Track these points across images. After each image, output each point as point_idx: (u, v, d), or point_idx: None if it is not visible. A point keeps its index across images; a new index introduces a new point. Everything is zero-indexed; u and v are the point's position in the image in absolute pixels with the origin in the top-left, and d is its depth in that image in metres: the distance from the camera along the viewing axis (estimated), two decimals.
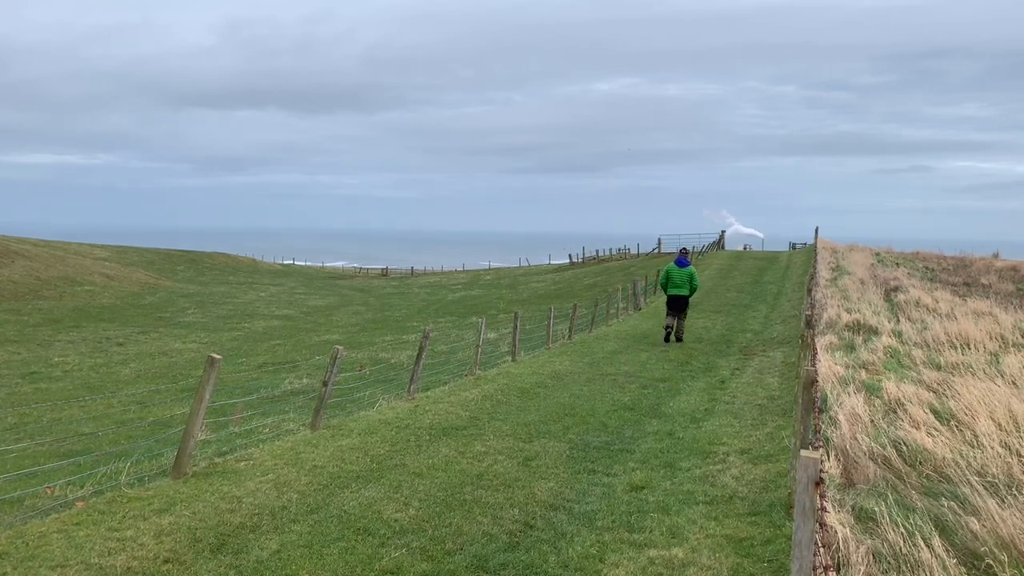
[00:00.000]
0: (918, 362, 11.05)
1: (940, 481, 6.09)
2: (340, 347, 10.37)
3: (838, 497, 5.85)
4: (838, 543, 4.79)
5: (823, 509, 3.76)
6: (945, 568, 4.54)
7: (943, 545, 4.78)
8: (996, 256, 35.95)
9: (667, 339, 18.10)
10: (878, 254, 36.71)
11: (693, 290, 18.27)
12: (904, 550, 4.74)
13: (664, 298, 19.19)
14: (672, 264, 18.60)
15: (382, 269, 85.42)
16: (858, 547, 4.77)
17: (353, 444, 8.82)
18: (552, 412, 10.71)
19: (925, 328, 13.87)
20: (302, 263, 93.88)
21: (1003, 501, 5.33)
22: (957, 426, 7.33)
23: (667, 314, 18.40)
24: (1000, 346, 12.26)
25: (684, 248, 20.83)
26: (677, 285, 18.07)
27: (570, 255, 65.52)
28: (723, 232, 58.80)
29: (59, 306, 36.62)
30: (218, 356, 7.76)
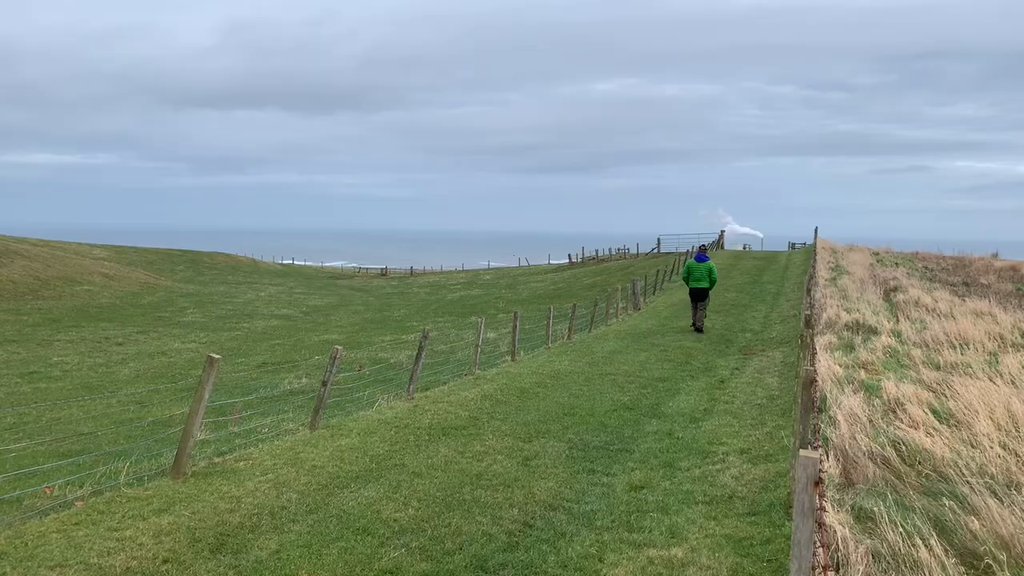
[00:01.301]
0: (917, 362, 11.04)
1: (939, 481, 6.09)
2: (339, 347, 10.37)
3: (837, 497, 5.85)
4: (837, 543, 4.79)
5: (822, 509, 3.76)
6: (944, 568, 4.55)
7: (942, 545, 4.78)
8: (995, 256, 35.98)
9: (698, 330, 19.61)
10: (877, 254, 36.71)
11: (712, 283, 20.13)
12: (903, 550, 4.74)
13: (685, 293, 21.69)
14: (691, 260, 20.59)
15: (382, 269, 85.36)
16: (857, 547, 4.77)
17: (352, 444, 8.82)
18: (551, 412, 10.71)
19: (924, 328, 13.87)
20: (302, 263, 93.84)
21: (1002, 501, 5.33)
22: (956, 426, 7.33)
23: (692, 307, 20.24)
24: (999, 346, 12.26)
25: (703, 245, 23.01)
26: (697, 279, 19.93)
27: (569, 255, 65.48)
28: (722, 232, 58.77)
29: (58, 306, 36.61)
30: (217, 356, 7.76)
